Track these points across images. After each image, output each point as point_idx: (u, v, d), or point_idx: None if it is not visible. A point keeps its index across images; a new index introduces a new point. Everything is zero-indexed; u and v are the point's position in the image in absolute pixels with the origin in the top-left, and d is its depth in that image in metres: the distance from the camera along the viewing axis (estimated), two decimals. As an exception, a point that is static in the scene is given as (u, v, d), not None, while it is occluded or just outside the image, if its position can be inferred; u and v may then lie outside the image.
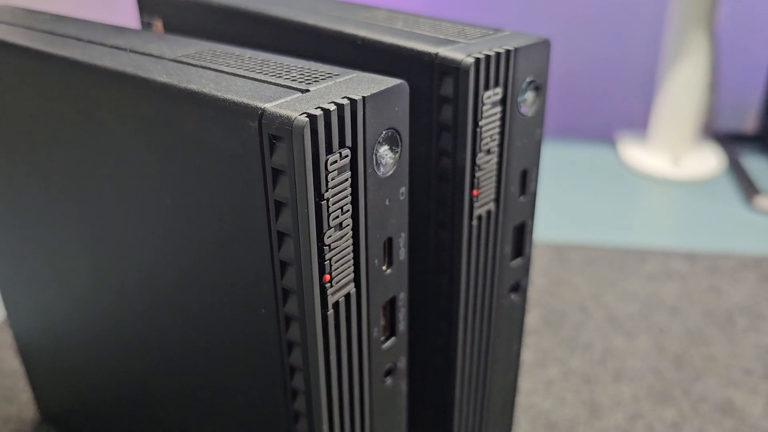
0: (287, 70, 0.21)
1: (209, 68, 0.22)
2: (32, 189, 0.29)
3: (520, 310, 0.30)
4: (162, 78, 0.21)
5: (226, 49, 0.24)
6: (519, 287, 0.29)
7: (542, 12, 0.76)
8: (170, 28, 0.36)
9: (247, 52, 0.23)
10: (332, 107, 0.19)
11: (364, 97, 0.19)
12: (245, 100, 0.19)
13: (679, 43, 0.65)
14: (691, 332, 0.47)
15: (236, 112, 0.19)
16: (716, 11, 0.64)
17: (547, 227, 0.61)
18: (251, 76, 0.21)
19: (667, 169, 0.69)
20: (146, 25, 0.38)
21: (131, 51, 0.24)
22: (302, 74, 0.21)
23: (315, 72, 0.21)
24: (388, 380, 0.25)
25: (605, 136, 0.79)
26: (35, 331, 0.36)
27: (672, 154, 0.70)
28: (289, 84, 0.20)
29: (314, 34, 0.27)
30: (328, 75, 0.21)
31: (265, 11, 0.30)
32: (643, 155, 0.71)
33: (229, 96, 0.19)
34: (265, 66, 0.22)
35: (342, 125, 0.19)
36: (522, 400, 0.41)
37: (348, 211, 0.20)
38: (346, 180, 0.20)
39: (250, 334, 0.23)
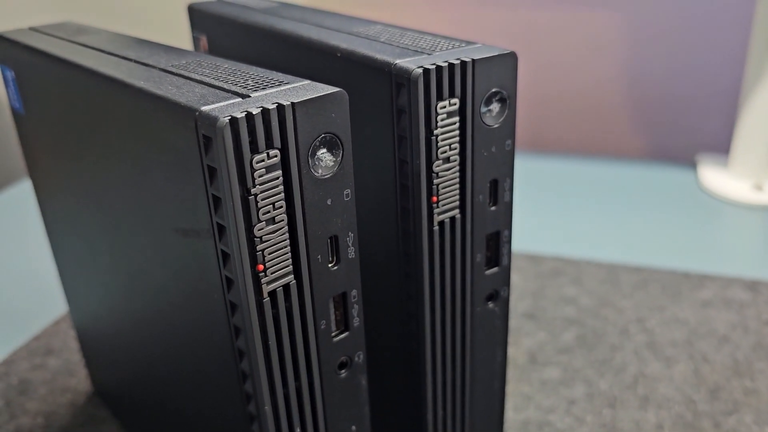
0: (245, 78, 0.24)
1: (184, 76, 0.24)
2: (75, 195, 0.33)
3: (501, 319, 0.30)
4: (140, 83, 0.24)
5: (212, 60, 0.26)
6: (498, 296, 0.30)
7: (621, 36, 0.74)
8: (212, 43, 0.39)
9: (225, 63, 0.26)
10: (256, 110, 0.20)
11: (293, 103, 0.21)
12: (189, 103, 0.21)
13: (762, 64, 0.61)
14: (737, 364, 0.45)
15: (181, 113, 0.21)
16: (806, 27, 0.60)
17: (606, 248, 0.60)
18: (212, 83, 0.23)
19: (748, 194, 0.65)
20: (195, 40, 0.42)
21: (135, 61, 0.27)
22: (256, 82, 0.23)
23: (268, 80, 0.23)
24: (344, 373, 0.26)
25: (686, 160, 0.76)
26: (86, 319, 0.40)
27: (754, 179, 0.66)
28: (237, 90, 0.22)
29: (307, 46, 0.29)
30: (278, 83, 0.23)
31: (274, 27, 0.32)
32: (723, 179, 0.68)
33: (178, 99, 0.22)
34: (231, 75, 0.24)
35: (268, 127, 0.21)
36: (539, 416, 0.41)
37: (281, 207, 0.22)
38: (277, 179, 0.21)
39: (207, 318, 0.25)
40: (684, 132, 0.77)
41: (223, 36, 0.38)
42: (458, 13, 0.80)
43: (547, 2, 0.76)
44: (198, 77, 0.24)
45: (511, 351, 0.47)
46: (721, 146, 0.76)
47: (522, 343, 0.48)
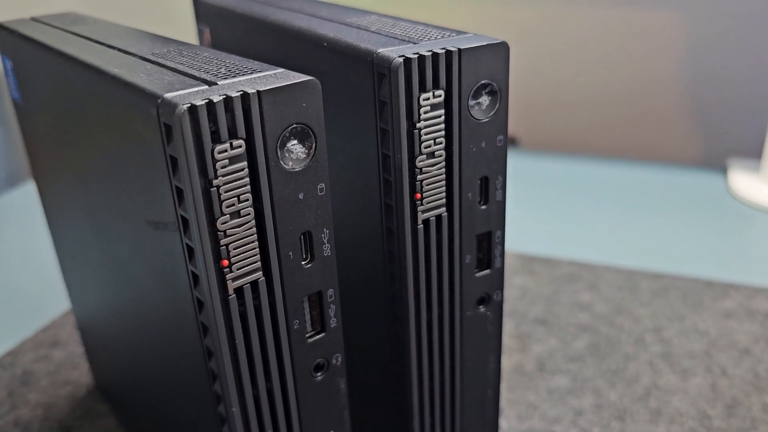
0: (218, 66, 0.23)
1: (159, 64, 0.24)
2: (68, 186, 0.33)
3: (494, 324, 0.29)
4: (113, 70, 0.23)
5: (193, 49, 0.26)
6: (490, 300, 0.28)
7: (652, 40, 0.72)
8: (214, 35, 0.39)
9: (206, 52, 0.25)
10: (218, 98, 0.19)
11: (259, 91, 0.20)
12: (153, 90, 0.20)
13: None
14: (758, 378, 0.42)
15: (145, 100, 0.20)
16: None
17: (626, 253, 0.57)
18: (184, 71, 0.22)
19: (781, 200, 0.62)
20: (200, 32, 0.41)
21: (118, 49, 0.27)
22: (228, 70, 0.22)
23: (242, 68, 0.22)
24: (320, 375, 0.25)
25: (717, 164, 0.73)
26: (85, 312, 0.40)
27: (788, 184, 0.63)
28: (206, 77, 0.21)
29: (297, 36, 0.28)
30: (251, 71, 0.22)
31: (268, 17, 0.31)
32: (755, 185, 0.65)
33: (145, 85, 0.21)
34: (206, 63, 0.23)
35: (232, 116, 0.20)
36: (543, 427, 0.39)
37: (247, 200, 0.21)
38: (242, 170, 0.20)
39: (180, 315, 0.24)
40: (715, 135, 0.74)
41: (223, 27, 0.37)
42: (485, 11, 0.78)
43: (580, 2, 0.74)
44: (173, 65, 0.23)
45: (519, 357, 0.45)
46: (752, 151, 0.73)
47: (531, 349, 0.46)
